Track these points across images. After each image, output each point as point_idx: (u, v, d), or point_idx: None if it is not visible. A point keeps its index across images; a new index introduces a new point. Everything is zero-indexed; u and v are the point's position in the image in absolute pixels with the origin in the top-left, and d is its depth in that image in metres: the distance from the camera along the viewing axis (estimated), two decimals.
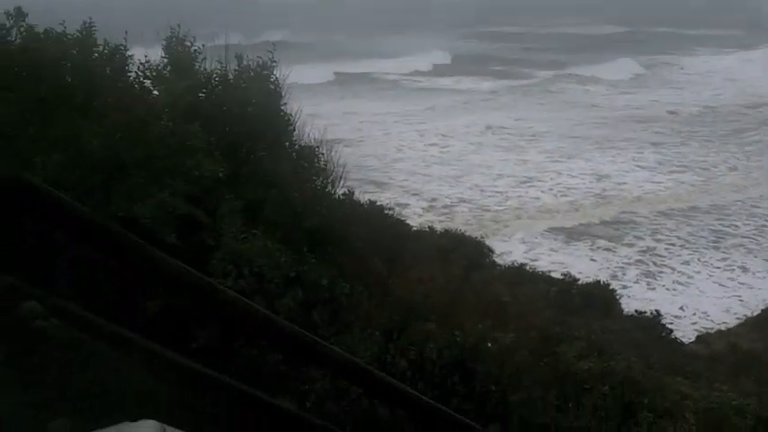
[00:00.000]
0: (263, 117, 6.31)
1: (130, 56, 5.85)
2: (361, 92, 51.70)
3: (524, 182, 29.15)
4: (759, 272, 20.56)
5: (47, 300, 2.21)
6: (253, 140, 6.21)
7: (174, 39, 6.07)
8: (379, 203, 9.15)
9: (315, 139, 7.49)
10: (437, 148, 34.78)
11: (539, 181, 29.30)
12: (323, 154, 7.13)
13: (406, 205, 25.85)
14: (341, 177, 8.18)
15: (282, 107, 6.57)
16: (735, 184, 28.68)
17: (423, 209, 25.95)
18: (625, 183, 28.90)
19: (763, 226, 24.20)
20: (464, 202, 26.72)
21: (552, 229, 23.69)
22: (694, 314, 18.21)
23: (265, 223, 6.14)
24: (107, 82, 5.56)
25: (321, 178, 7.27)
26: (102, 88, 5.50)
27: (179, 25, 6.17)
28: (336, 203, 7.46)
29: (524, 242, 22.42)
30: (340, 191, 8.34)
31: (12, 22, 5.91)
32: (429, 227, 11.93)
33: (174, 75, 5.97)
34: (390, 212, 9.24)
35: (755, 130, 37.42)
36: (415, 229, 10.63)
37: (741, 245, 22.61)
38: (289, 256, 5.50)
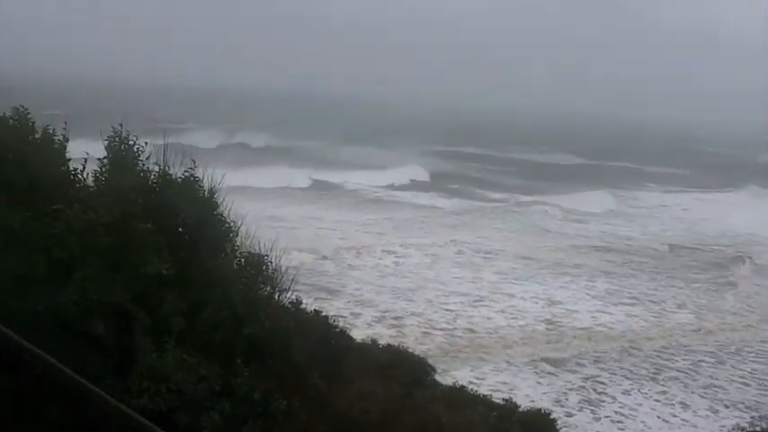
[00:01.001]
0: (199, 224, 6.38)
1: (65, 144, 5.93)
2: (330, 198, 52.85)
3: (477, 300, 29.34)
4: (699, 409, 20.73)
5: None
6: (191, 243, 6.25)
7: (116, 137, 6.18)
8: (324, 314, 9.13)
9: (265, 244, 7.55)
10: (393, 258, 35.03)
11: (491, 301, 29.52)
12: (271, 261, 7.18)
13: (358, 315, 25.77)
14: (290, 284, 8.18)
15: (220, 214, 6.68)
16: (685, 322, 29.22)
17: (373, 319, 25.83)
18: (576, 311, 29.28)
19: (701, 361, 24.65)
20: (415, 316, 26.69)
21: (499, 350, 23.74)
22: None
23: (205, 325, 6.07)
24: (46, 171, 5.59)
25: (268, 285, 7.28)
26: (41, 176, 5.52)
27: (121, 124, 6.29)
28: (281, 311, 7.44)
29: (469, 361, 22.36)
30: (287, 298, 8.32)
31: None
32: (372, 340, 11.88)
33: (114, 172, 6.03)
34: (335, 323, 9.21)
35: (702, 270, 38.64)
36: (358, 341, 10.57)
37: (677, 378, 22.95)
38: (214, 367, 5.39)
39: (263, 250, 7.44)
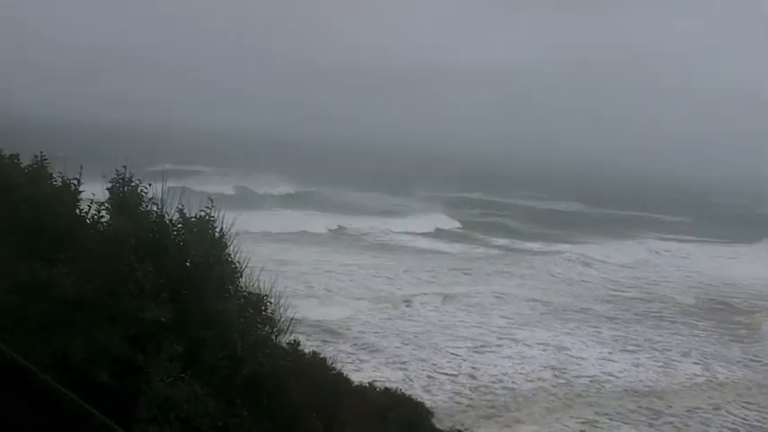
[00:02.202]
0: (206, 264, 6.54)
1: (82, 191, 6.06)
2: (340, 242, 53.30)
3: (483, 345, 29.27)
4: None
5: None
6: (196, 284, 6.39)
7: (119, 180, 6.34)
8: (322, 355, 9.22)
9: (266, 287, 7.69)
10: (402, 302, 35.07)
11: (497, 346, 29.44)
12: (271, 302, 7.31)
13: (364, 360, 25.71)
14: (288, 326, 8.30)
15: (228, 254, 6.82)
16: (689, 373, 28.96)
17: (379, 363, 25.76)
18: (583, 358, 29.13)
19: (697, 408, 24.69)
20: (421, 361, 26.59)
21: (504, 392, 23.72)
22: None
23: (203, 365, 6.20)
24: (59, 216, 5.74)
25: (267, 326, 7.40)
26: (53, 221, 5.68)
27: (125, 166, 6.43)
28: (279, 352, 7.54)
29: (472, 407, 22.27)
30: (286, 339, 8.43)
31: None
32: (370, 383, 11.91)
33: (117, 214, 6.18)
34: (332, 365, 9.31)
35: (704, 318, 38.53)
36: (355, 384, 10.61)
37: (671, 423, 23.10)
38: (219, 403, 5.51)
39: (266, 292, 7.56)
